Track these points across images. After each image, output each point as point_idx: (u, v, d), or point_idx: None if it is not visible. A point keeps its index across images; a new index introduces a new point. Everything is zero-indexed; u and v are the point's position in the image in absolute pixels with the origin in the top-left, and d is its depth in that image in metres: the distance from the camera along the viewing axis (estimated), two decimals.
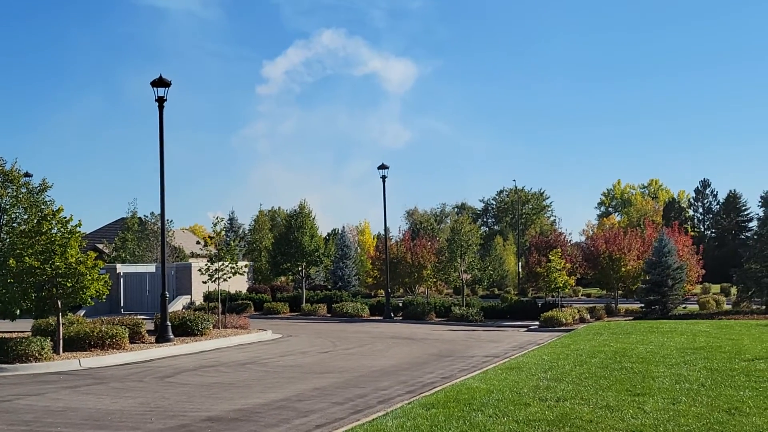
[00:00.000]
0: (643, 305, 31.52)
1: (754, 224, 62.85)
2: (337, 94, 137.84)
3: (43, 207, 24.04)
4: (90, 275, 18.02)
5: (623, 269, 33.29)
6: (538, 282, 34.07)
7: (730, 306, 33.41)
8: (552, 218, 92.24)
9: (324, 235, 59.50)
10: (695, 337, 19.80)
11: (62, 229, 18.21)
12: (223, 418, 10.59)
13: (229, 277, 25.29)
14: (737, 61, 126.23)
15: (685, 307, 33.39)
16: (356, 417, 10.32)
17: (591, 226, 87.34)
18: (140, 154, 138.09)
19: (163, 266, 22.81)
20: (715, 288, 49.97)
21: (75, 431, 9.90)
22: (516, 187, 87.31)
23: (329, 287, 47.75)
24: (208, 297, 35.04)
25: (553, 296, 32.81)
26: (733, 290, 39.53)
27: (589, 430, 8.81)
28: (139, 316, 24.53)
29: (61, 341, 18.07)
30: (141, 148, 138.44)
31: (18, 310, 18.52)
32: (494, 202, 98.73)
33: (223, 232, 31.76)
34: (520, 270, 58.22)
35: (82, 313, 31.42)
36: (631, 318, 30.50)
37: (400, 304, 35.05)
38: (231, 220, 66.07)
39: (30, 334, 19.52)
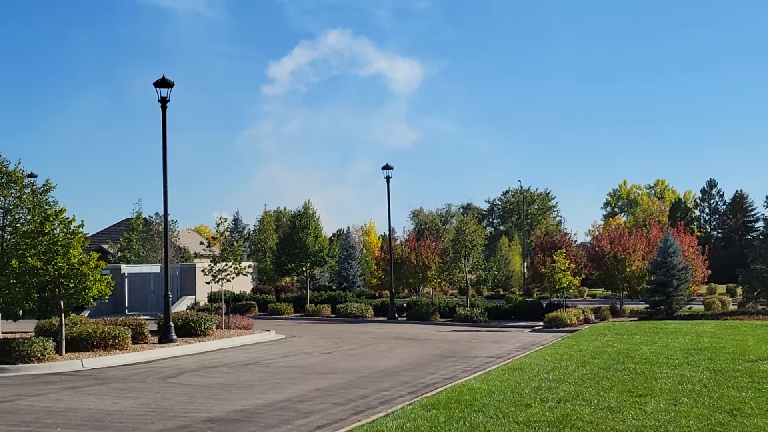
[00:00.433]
0: (648, 306, 31.43)
1: (760, 224, 62.88)
2: (343, 95, 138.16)
3: (46, 207, 24.08)
4: (92, 276, 18.06)
5: (628, 270, 33.24)
6: (543, 282, 33.98)
7: (735, 306, 33.25)
8: (558, 218, 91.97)
9: (329, 235, 59.58)
10: (699, 338, 19.71)
11: (65, 230, 18.27)
12: (224, 419, 10.59)
13: (233, 278, 25.28)
14: (744, 62, 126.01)
15: (690, 308, 33.28)
16: (357, 418, 10.32)
17: (597, 227, 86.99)
18: (145, 154, 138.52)
19: (166, 267, 22.81)
20: (721, 288, 49.71)
21: None
22: (521, 187, 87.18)
23: (334, 288, 47.74)
24: (213, 297, 35.15)
25: (557, 297, 32.72)
26: (739, 291, 39.43)
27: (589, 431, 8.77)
28: (142, 317, 24.56)
29: (64, 342, 18.10)
30: (146, 147, 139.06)
31: (21, 311, 18.57)
32: (500, 203, 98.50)
33: (227, 233, 31.83)
34: (525, 270, 58.15)
35: (85, 313, 31.47)
36: (636, 319, 30.40)
37: (405, 305, 35.01)
38: (236, 220, 66.24)
39: (33, 334, 19.56)
